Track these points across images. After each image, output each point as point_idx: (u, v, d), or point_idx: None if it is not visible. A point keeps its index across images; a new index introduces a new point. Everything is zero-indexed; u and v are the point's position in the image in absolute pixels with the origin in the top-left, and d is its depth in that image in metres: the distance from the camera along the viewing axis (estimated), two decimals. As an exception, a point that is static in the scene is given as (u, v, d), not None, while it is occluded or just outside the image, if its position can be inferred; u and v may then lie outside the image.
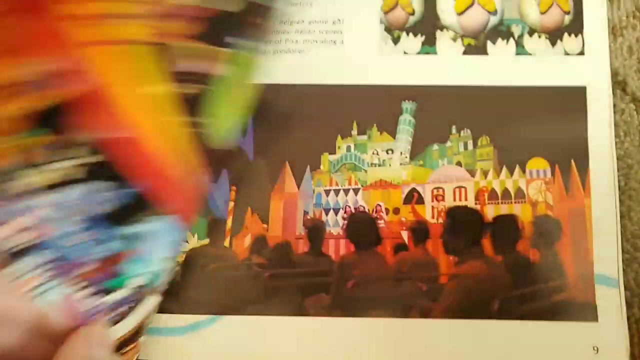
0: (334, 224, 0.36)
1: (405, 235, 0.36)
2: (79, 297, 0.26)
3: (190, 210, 0.29)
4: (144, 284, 0.28)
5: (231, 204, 0.36)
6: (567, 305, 0.34)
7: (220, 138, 0.28)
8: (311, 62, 0.37)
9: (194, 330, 0.34)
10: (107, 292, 0.27)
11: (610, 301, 0.34)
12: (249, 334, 0.34)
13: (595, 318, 0.34)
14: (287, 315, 0.35)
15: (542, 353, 0.34)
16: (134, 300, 0.28)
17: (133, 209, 0.26)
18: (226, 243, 0.36)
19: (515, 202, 0.36)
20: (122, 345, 0.29)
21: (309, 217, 0.36)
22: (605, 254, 0.34)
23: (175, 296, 0.35)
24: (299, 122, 0.37)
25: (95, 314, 0.27)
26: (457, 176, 0.36)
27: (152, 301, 0.29)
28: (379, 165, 0.36)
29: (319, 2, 0.37)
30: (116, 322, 0.28)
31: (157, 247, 0.28)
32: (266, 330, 0.34)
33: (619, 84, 0.37)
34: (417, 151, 0.36)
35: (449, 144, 0.36)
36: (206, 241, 0.36)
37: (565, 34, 0.37)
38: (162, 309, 0.34)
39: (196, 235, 0.36)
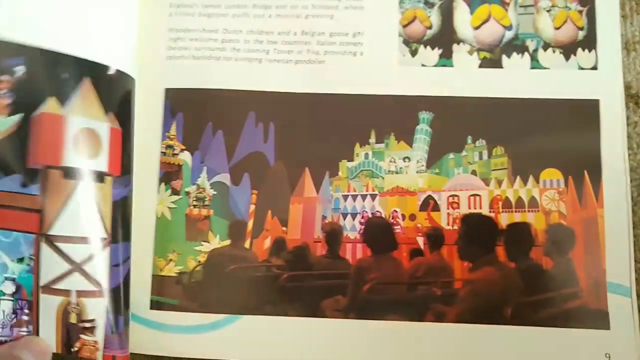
0: (351, 229, 0.37)
1: (420, 241, 0.37)
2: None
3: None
4: (15, 288, 0.32)
5: (252, 206, 0.37)
6: (579, 313, 0.35)
7: None
8: (331, 72, 0.38)
9: (214, 329, 0.36)
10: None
11: (622, 309, 0.34)
12: (266, 333, 0.35)
13: (607, 325, 0.34)
14: (303, 317, 0.35)
15: (554, 359, 0.34)
16: (25, 306, 0.32)
17: None
18: (247, 244, 0.37)
19: (528, 211, 0.37)
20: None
21: (327, 222, 0.37)
22: (618, 262, 0.35)
23: (197, 295, 0.36)
24: (318, 130, 0.38)
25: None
26: (472, 185, 0.37)
27: (55, 301, 0.32)
28: (396, 173, 0.38)
29: (339, 15, 0.39)
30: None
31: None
32: (283, 330, 0.35)
33: (631, 98, 0.38)
34: (433, 160, 0.37)
35: (464, 153, 0.37)
36: (227, 242, 0.37)
37: (579, 49, 0.38)
38: (183, 307, 0.36)
39: (218, 237, 0.37)
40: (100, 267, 0.33)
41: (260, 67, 0.38)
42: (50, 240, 0.33)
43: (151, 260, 0.36)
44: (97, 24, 0.36)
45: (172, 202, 0.37)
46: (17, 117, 0.33)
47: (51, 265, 0.32)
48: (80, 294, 0.33)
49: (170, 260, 0.36)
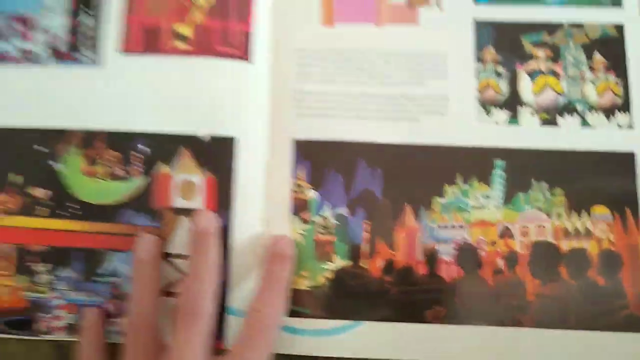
0: (446, 253, 0.46)
1: (500, 262, 0.46)
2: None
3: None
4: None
5: (366, 234, 0.46)
6: (629, 320, 0.44)
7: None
8: (424, 128, 0.48)
9: (340, 332, 0.44)
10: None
11: (664, 315, 0.44)
12: (382, 336, 0.44)
13: (652, 330, 0.44)
14: (412, 323, 0.44)
15: (611, 358, 0.44)
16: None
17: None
18: (363, 264, 0.46)
19: (584, 239, 0.46)
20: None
21: (426, 247, 0.46)
22: (657, 279, 0.45)
23: (325, 305, 0.45)
24: (415, 173, 0.47)
25: None
26: (538, 218, 0.47)
27: (170, 302, 0.45)
28: (479, 208, 0.47)
29: (429, 84, 0.49)
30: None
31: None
32: (396, 333, 0.44)
33: (660, 151, 0.48)
34: (508, 198, 0.47)
35: (531, 193, 0.47)
36: (348, 262, 0.46)
37: (617, 111, 0.49)
38: (315, 315, 0.45)
39: (340, 258, 0.46)
40: None
41: (369, 123, 0.48)
42: (167, 257, 0.45)
43: (287, 277, 0.45)
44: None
45: (303, 229, 0.46)
46: (146, 177, 0.47)
47: (168, 274, 0.45)
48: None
49: (303, 276, 0.45)
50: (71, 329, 0.45)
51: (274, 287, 0.42)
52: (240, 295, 0.45)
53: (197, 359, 0.39)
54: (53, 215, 0.47)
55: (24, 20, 0.51)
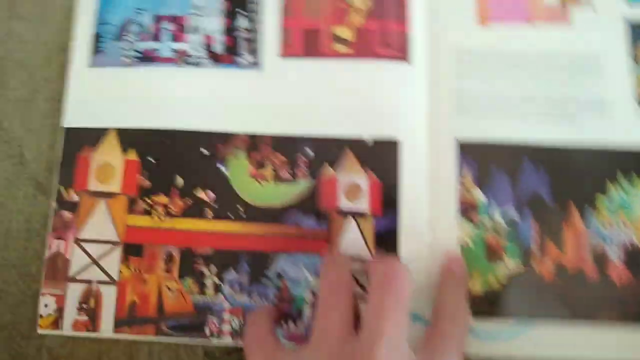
0: (614, 255, 0.46)
1: (669, 264, 0.46)
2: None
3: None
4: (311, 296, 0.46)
5: (535, 235, 0.47)
6: None
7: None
8: (583, 128, 0.48)
9: (514, 335, 0.45)
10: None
11: None
12: (557, 337, 0.44)
13: None
14: (585, 323, 0.45)
15: None
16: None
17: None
18: (535, 268, 0.46)
19: None
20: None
21: (594, 248, 0.46)
22: None
23: (498, 307, 0.45)
24: (578, 172, 0.47)
25: None
26: None
27: None
28: (642, 207, 0.47)
29: (585, 84, 0.49)
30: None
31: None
32: (569, 334, 0.45)
33: None
34: (670, 198, 0.47)
35: (694, 195, 0.47)
36: (521, 265, 0.46)
37: None
38: (487, 318, 0.45)
39: (513, 261, 0.46)
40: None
41: (530, 124, 0.48)
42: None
43: (459, 279, 0.45)
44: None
45: (472, 231, 0.47)
46: (312, 179, 0.47)
47: None
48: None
49: (475, 278, 0.46)
50: (236, 333, 0.45)
51: (455, 300, 0.43)
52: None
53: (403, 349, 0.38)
54: (218, 217, 0.47)
55: (174, 20, 0.50)
